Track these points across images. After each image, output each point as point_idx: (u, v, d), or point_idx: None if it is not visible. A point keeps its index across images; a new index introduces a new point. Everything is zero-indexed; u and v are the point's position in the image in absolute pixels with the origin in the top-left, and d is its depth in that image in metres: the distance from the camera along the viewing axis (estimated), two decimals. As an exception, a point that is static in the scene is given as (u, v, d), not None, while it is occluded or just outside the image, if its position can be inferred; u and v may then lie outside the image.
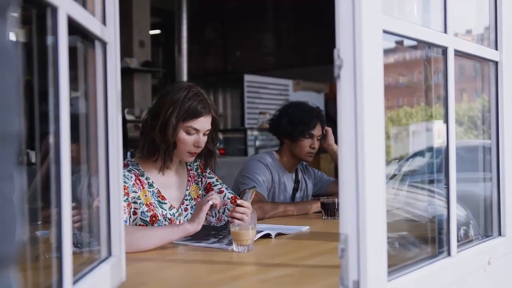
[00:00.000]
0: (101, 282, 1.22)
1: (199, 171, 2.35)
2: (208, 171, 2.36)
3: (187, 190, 2.28)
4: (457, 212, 1.52)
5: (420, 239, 1.67)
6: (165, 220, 2.15)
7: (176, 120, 2.09)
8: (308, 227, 2.31)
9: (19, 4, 0.64)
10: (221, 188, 2.33)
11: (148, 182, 2.16)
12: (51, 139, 0.97)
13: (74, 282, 1.04)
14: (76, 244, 1.31)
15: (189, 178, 2.31)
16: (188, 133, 2.12)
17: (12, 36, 0.59)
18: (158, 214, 2.13)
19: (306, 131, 2.88)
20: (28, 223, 1.10)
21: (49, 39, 0.98)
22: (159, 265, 1.71)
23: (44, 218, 1.53)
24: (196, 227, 1.90)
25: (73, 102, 1.08)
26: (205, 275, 1.57)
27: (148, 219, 2.10)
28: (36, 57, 1.03)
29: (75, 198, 1.14)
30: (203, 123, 2.14)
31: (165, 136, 2.09)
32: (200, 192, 2.32)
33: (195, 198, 2.29)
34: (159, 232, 1.91)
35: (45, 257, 1.40)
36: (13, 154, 0.57)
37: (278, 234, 2.12)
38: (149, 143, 2.14)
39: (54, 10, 0.96)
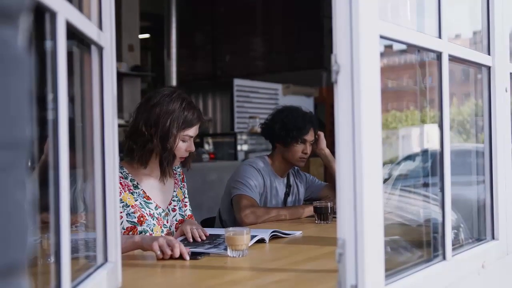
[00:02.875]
0: (98, 288, 1.21)
1: (180, 177, 2.43)
2: (185, 181, 2.46)
3: (174, 191, 2.35)
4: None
5: (414, 243, 1.68)
6: (153, 219, 2.19)
7: (176, 131, 2.18)
8: (301, 232, 2.31)
9: (30, 11, 0.64)
10: (187, 202, 2.43)
11: (133, 184, 2.21)
12: (50, 145, 0.96)
13: (72, 288, 1.04)
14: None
15: (176, 181, 2.38)
16: (183, 140, 2.22)
17: (24, 43, 0.59)
18: (145, 214, 2.17)
19: (299, 136, 2.88)
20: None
21: (47, 44, 0.97)
22: (154, 271, 1.70)
23: (39, 224, 1.52)
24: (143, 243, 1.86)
25: (68, 106, 1.07)
26: (201, 280, 1.57)
27: (135, 220, 2.14)
28: (33, 62, 1.03)
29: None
30: (196, 129, 2.26)
31: (166, 146, 2.17)
32: (183, 196, 2.40)
33: (181, 200, 2.37)
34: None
35: (40, 263, 1.39)
36: (24, 161, 0.57)
37: (273, 236, 2.13)
38: (147, 152, 2.18)
39: (53, 15, 0.95)
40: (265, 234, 2.09)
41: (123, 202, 2.13)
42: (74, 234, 1.33)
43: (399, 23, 1.50)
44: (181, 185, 2.41)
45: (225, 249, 1.87)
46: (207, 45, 10.16)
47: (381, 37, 1.22)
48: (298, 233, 2.29)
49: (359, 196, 1.13)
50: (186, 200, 2.43)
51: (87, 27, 1.17)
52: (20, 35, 0.58)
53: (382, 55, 1.42)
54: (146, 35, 10.04)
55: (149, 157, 2.20)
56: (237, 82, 7.57)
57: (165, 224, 2.23)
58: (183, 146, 2.22)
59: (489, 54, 1.77)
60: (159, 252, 1.76)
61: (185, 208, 2.40)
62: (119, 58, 7.33)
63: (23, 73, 0.57)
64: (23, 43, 0.59)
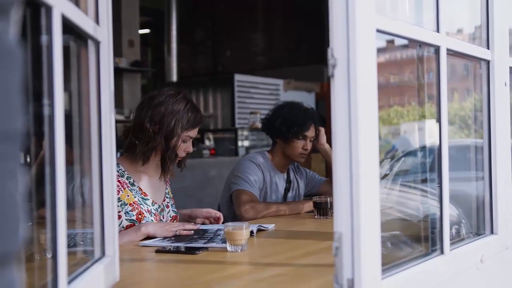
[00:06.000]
0: (95, 282, 1.21)
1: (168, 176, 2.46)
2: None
3: (166, 189, 2.40)
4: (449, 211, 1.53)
5: (413, 238, 1.68)
6: (150, 215, 2.23)
7: (181, 131, 2.21)
8: (274, 225, 2.33)
9: (22, 3, 0.64)
10: (170, 202, 2.45)
11: (129, 181, 2.23)
12: (46, 140, 0.96)
13: (69, 282, 1.04)
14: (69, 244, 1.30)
15: (167, 180, 2.42)
16: (184, 141, 2.25)
17: (15, 36, 0.59)
18: (144, 211, 2.20)
19: (300, 132, 2.87)
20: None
21: (43, 38, 0.97)
22: (152, 265, 1.70)
23: (36, 219, 1.52)
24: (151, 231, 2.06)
25: (65, 102, 1.07)
26: (199, 275, 1.57)
27: (134, 217, 2.17)
28: (28, 57, 1.02)
29: (67, 198, 1.13)
30: (196, 131, 2.30)
31: (169, 144, 2.20)
32: (171, 194, 2.45)
33: (172, 198, 2.42)
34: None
35: (37, 257, 1.39)
36: (16, 152, 0.57)
37: (259, 230, 2.18)
38: (150, 149, 2.21)
39: (49, 9, 0.95)
40: (253, 228, 2.11)
41: (121, 200, 2.15)
42: (71, 228, 1.33)
43: (397, 17, 1.50)
44: (169, 184, 2.46)
45: (222, 242, 1.87)
46: (208, 40, 10.16)
47: (378, 31, 1.22)
48: (271, 226, 2.31)
49: (355, 190, 1.13)
50: (171, 199, 2.47)
51: (84, 21, 1.17)
52: (11, 28, 0.58)
53: (383, 50, 1.42)
54: (146, 31, 10.04)
55: (151, 154, 2.23)
56: (238, 77, 7.57)
57: (161, 220, 2.28)
58: (182, 147, 2.25)
59: (488, 48, 1.77)
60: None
61: (168, 209, 2.40)
62: (119, 53, 7.34)
63: (14, 66, 0.57)
64: (15, 36, 0.59)
